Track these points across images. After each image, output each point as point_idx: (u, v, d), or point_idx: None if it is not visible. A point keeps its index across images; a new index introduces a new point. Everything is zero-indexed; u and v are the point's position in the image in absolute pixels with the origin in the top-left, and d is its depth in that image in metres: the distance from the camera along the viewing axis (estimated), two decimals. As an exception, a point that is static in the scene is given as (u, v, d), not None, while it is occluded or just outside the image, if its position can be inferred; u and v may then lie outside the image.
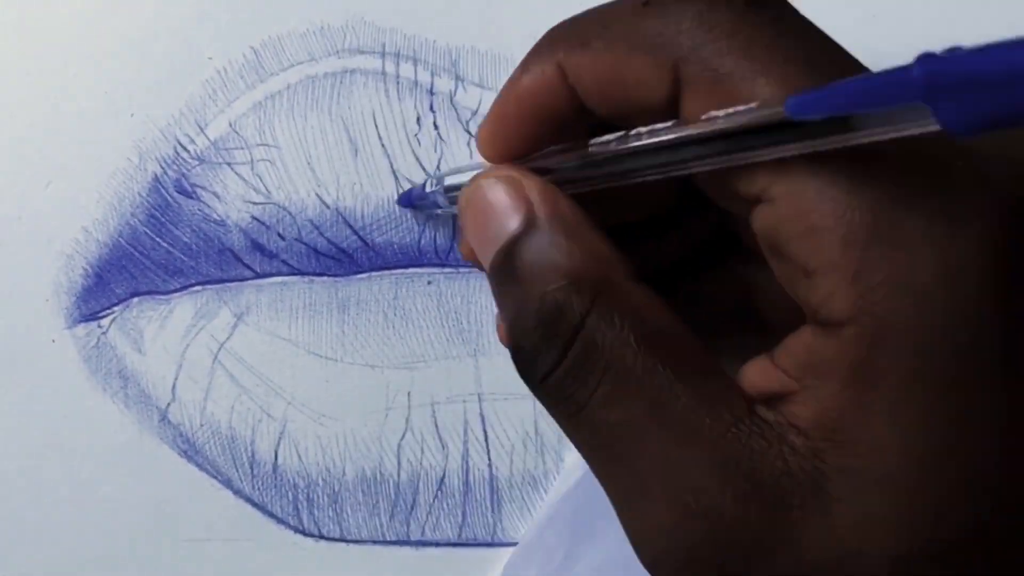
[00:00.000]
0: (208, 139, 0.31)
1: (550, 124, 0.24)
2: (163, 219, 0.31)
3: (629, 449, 0.21)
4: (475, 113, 0.32)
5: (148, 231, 0.31)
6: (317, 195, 0.32)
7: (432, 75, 0.32)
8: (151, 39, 0.31)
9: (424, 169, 0.32)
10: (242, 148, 0.31)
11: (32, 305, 0.31)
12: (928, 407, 0.19)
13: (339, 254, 0.32)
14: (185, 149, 0.31)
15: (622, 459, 0.21)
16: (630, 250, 0.23)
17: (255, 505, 0.31)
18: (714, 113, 0.20)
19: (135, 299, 0.31)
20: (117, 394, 0.31)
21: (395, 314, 0.32)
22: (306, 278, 0.32)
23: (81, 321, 0.31)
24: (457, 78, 0.32)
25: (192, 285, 0.31)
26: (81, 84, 0.31)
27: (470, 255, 0.26)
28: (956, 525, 0.19)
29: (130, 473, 0.31)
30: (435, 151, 0.32)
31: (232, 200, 0.31)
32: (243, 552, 0.31)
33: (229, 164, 0.31)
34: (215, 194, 0.31)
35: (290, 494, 0.31)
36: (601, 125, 0.23)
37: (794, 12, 0.21)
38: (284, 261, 0.32)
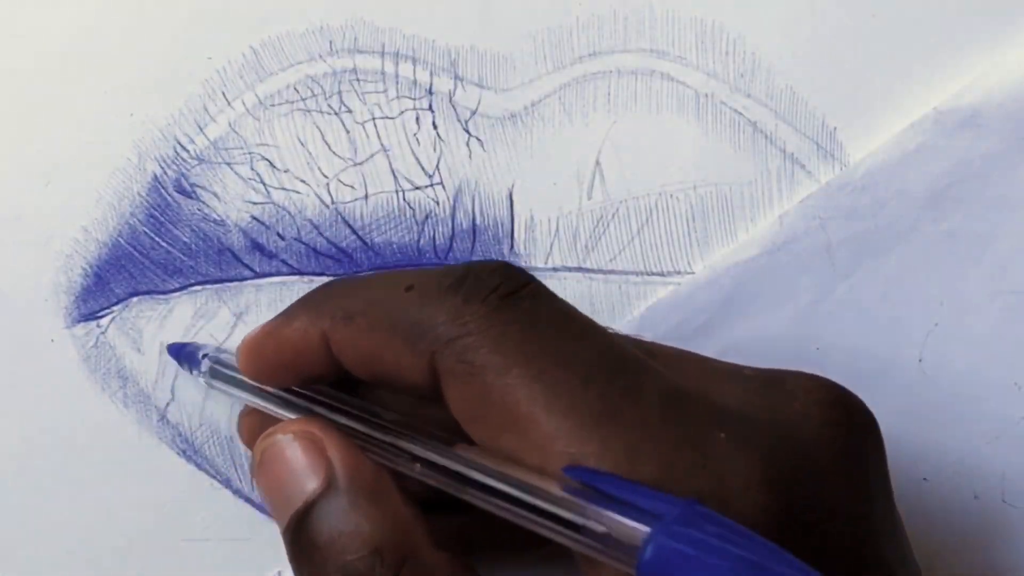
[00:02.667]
0: (208, 139, 0.31)
1: (307, 375, 0.24)
2: (162, 219, 0.31)
3: None
4: (474, 112, 0.32)
5: (147, 231, 0.31)
6: (317, 195, 0.32)
7: (431, 75, 0.32)
8: (151, 39, 0.31)
9: (423, 168, 0.32)
10: (242, 148, 0.31)
11: (31, 305, 0.31)
12: None
13: (339, 254, 0.32)
14: (185, 149, 0.31)
15: None
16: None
17: (254, 505, 0.31)
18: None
19: (134, 299, 0.31)
20: (116, 393, 0.31)
21: (394, 314, 0.32)
22: (306, 278, 0.32)
23: (80, 321, 0.31)
24: (456, 78, 0.32)
25: (191, 285, 0.31)
26: (81, 84, 0.31)
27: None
28: None
29: (129, 473, 0.31)
30: (434, 150, 0.32)
31: (232, 200, 0.31)
32: (242, 552, 0.31)
33: (229, 164, 0.31)
34: (215, 194, 0.31)
35: (289, 494, 0.31)
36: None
37: (551, 304, 0.22)
38: (284, 261, 0.32)
